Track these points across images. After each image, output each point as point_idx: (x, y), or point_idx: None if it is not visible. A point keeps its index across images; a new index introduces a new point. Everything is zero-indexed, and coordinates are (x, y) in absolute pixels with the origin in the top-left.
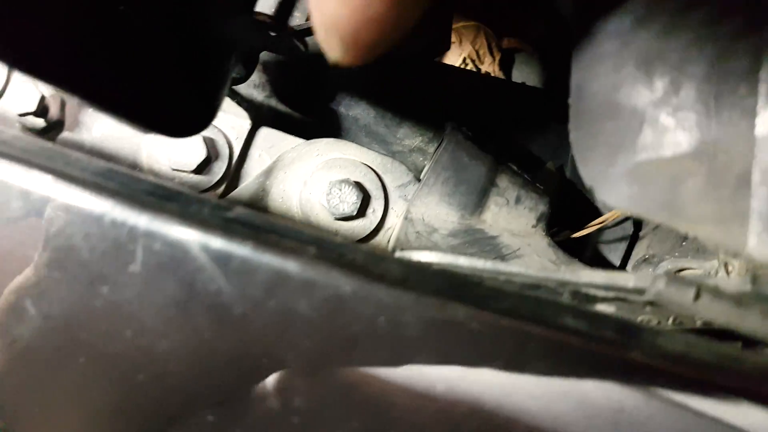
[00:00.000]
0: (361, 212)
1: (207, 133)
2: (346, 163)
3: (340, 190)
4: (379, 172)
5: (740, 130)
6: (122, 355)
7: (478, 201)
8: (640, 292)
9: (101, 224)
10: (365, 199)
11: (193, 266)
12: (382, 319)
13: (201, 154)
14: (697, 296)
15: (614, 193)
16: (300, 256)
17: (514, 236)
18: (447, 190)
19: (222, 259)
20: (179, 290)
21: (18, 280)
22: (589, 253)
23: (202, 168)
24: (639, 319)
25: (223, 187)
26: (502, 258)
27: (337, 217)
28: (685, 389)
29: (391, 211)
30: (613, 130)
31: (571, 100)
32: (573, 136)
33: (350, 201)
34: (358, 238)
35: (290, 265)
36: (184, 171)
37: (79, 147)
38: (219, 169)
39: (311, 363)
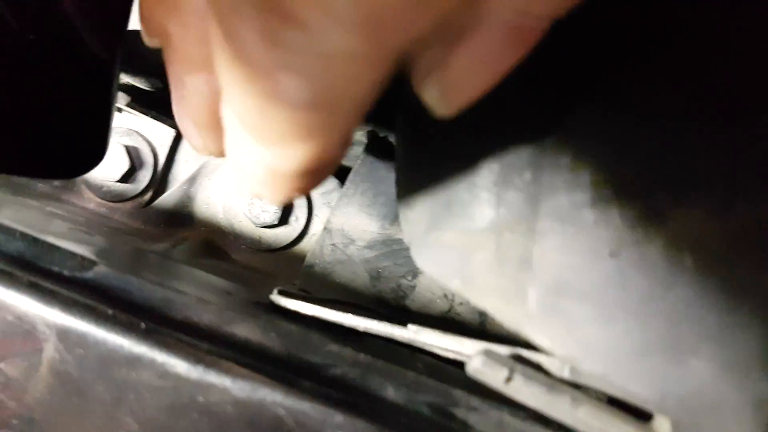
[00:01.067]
0: (284, 220)
1: (131, 142)
2: None
3: (261, 199)
4: None
5: (524, 213)
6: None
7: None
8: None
9: None
10: (287, 208)
11: (38, 338)
12: (201, 398)
13: (124, 165)
14: (509, 378)
15: (423, 256)
16: (129, 332)
17: None
18: (366, 200)
19: (62, 333)
20: (27, 359)
21: None
22: None
23: (127, 177)
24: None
25: (150, 194)
26: (414, 271)
27: (259, 225)
28: None
29: (315, 218)
30: (427, 197)
31: (397, 156)
32: (397, 190)
33: (271, 210)
34: (282, 245)
35: (119, 341)
36: (110, 181)
37: None
38: (144, 177)
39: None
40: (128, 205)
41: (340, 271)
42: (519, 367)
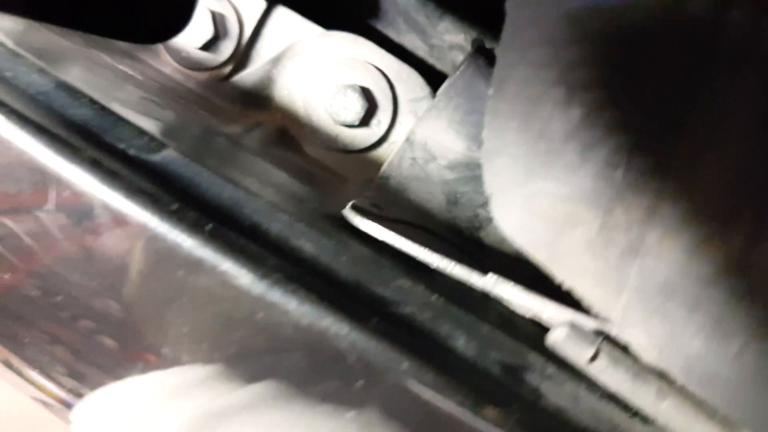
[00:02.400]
0: (365, 122)
1: (218, 8)
2: (359, 66)
3: (345, 96)
4: (393, 81)
5: (645, 192)
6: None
7: None
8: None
9: (21, 160)
10: (370, 109)
11: (94, 221)
12: (261, 315)
13: (208, 32)
14: (594, 357)
15: (505, 214)
16: (193, 231)
17: None
18: (457, 117)
19: (120, 219)
20: (85, 236)
21: None
22: None
23: (209, 46)
24: None
25: (229, 68)
26: None
27: (338, 122)
28: None
29: (398, 125)
30: (522, 146)
31: (491, 92)
32: (485, 133)
33: (354, 109)
34: (358, 148)
35: (181, 239)
36: (191, 47)
37: None
38: (226, 48)
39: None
40: (205, 75)
41: (415, 189)
42: (605, 346)
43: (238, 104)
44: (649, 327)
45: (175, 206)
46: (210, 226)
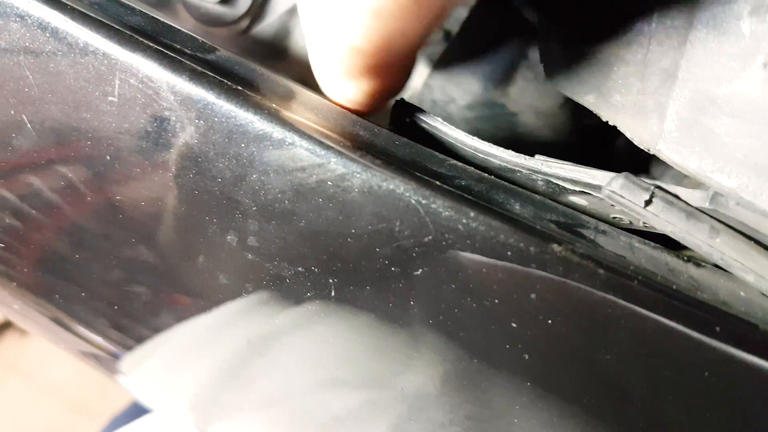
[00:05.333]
0: None
1: None
2: None
3: None
4: None
5: (677, 23)
6: (100, 178)
7: (505, 73)
8: (598, 189)
9: (85, 53)
10: None
11: (162, 105)
12: (330, 185)
13: None
14: (649, 202)
15: (555, 69)
16: (259, 110)
17: (538, 115)
18: (473, 57)
19: (187, 102)
20: (150, 124)
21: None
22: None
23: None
24: (611, 217)
25: (248, 21)
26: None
27: None
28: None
29: (414, 72)
30: None
31: None
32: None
33: None
34: None
35: (248, 117)
36: (209, 2)
37: None
38: (244, 2)
39: (263, 209)
40: (224, 31)
41: None
42: (658, 192)
43: (257, 57)
44: (687, 145)
45: (237, 87)
46: (274, 105)
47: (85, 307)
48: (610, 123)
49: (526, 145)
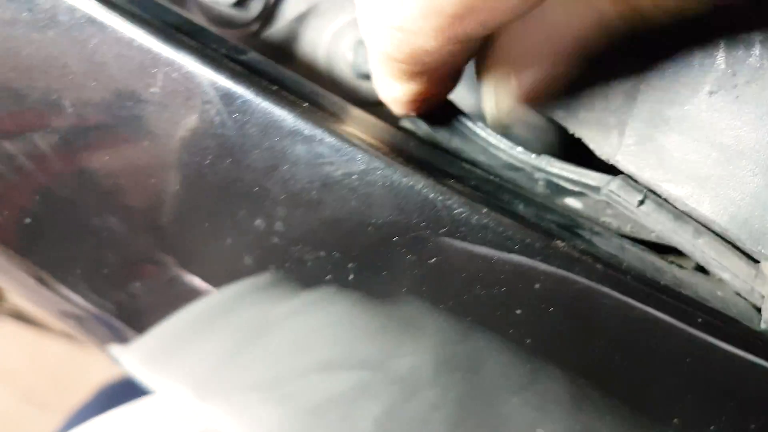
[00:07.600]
0: None
1: None
2: None
3: (365, 48)
4: None
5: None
6: (141, 158)
7: None
8: (597, 190)
9: (131, 48)
10: None
11: (202, 98)
12: (354, 178)
13: None
14: (642, 202)
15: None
16: (293, 108)
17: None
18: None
19: (226, 97)
20: (189, 115)
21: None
22: None
23: (242, 2)
24: (601, 221)
25: (258, 25)
26: None
27: (359, 75)
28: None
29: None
30: None
31: None
32: None
33: None
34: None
35: (283, 114)
36: (223, 5)
37: None
38: (256, 6)
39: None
40: (235, 33)
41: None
42: (650, 194)
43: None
44: (643, 158)
45: (274, 86)
46: (306, 104)
47: (107, 278)
48: (576, 135)
49: None
